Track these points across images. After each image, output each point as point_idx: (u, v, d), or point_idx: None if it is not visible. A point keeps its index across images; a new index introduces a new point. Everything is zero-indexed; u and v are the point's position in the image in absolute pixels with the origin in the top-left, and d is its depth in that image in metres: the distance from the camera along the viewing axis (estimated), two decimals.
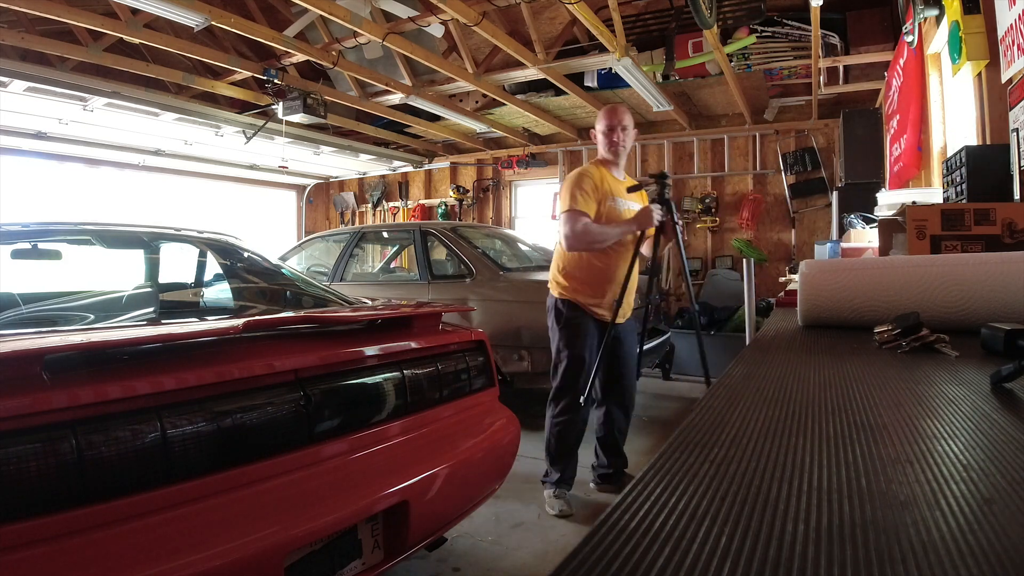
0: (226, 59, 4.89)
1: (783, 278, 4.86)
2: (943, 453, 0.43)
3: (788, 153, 6.57)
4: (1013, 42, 2.23)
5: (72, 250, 2.49)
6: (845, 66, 5.12)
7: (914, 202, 2.15)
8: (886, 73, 4.66)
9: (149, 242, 2.65)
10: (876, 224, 2.37)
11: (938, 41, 3.39)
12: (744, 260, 4.76)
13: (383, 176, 9.02)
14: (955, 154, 2.45)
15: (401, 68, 5.44)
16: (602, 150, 2.76)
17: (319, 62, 4.94)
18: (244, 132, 6.16)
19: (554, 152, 7.82)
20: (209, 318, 2.29)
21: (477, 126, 6.71)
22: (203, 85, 5.24)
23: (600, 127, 2.76)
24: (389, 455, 1.68)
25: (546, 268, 2.87)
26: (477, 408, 2.11)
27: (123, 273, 2.87)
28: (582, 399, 2.70)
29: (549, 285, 2.79)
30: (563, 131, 7.27)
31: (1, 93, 4.67)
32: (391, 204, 9.03)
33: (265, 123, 5.94)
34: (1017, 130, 2.21)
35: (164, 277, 2.74)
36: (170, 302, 2.54)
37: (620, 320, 2.72)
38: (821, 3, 3.53)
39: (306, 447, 1.48)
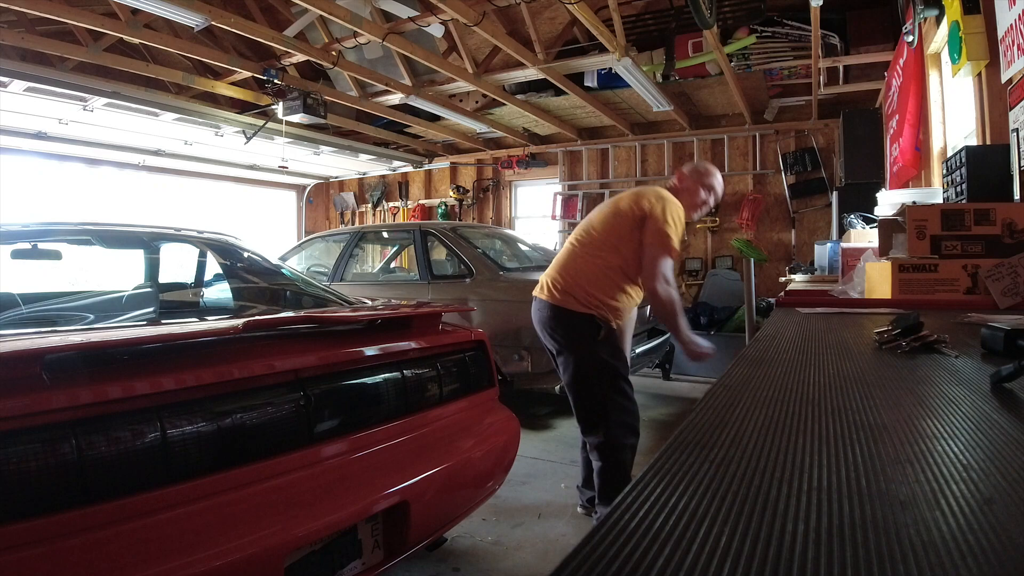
0: (226, 59, 4.89)
1: (783, 278, 4.86)
2: (943, 453, 0.43)
3: (788, 153, 6.57)
4: (1013, 42, 2.23)
5: (72, 250, 2.49)
6: (845, 66, 5.12)
7: (914, 202, 2.15)
8: (886, 73, 4.66)
9: (149, 242, 2.65)
10: (876, 224, 2.37)
11: (938, 41, 3.39)
12: (744, 260, 4.77)
13: (383, 176, 9.03)
14: (955, 154, 2.46)
15: (401, 68, 5.44)
16: (689, 200, 2.52)
17: (319, 62, 4.94)
18: (244, 132, 6.16)
19: (554, 152, 7.82)
20: (209, 318, 2.29)
21: (477, 126, 6.71)
22: (203, 85, 5.24)
23: (712, 182, 2.55)
24: (389, 455, 1.68)
25: (546, 268, 2.61)
26: (477, 408, 2.11)
27: (123, 273, 2.87)
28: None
29: (577, 298, 2.40)
30: (563, 131, 7.27)
31: (1, 93, 4.67)
32: (391, 204, 9.03)
33: (265, 123, 5.95)
34: (1017, 130, 2.21)
35: (164, 277, 2.74)
36: (170, 302, 2.54)
37: None
38: (821, 3, 3.53)
39: (306, 447, 1.48)
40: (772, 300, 3.67)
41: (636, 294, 2.49)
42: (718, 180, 2.58)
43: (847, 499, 0.35)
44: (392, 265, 6.02)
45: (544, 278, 2.54)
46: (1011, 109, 2.28)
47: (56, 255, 2.38)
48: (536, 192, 8.23)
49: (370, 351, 1.75)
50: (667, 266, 2.35)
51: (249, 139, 6.22)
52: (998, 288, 1.49)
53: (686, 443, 0.46)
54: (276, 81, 5.17)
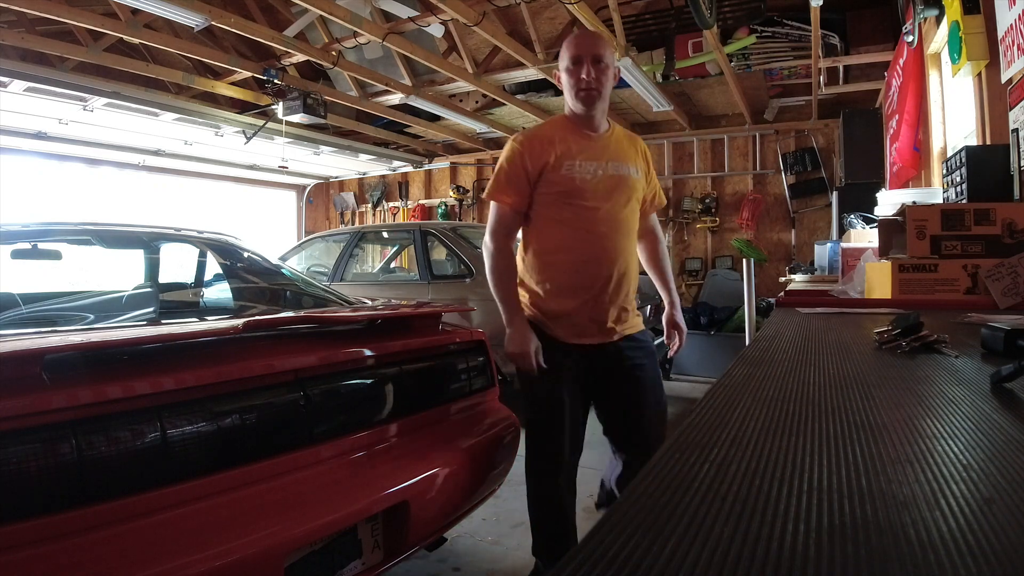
0: (226, 59, 4.89)
1: (783, 278, 4.86)
2: (943, 453, 0.43)
3: (788, 153, 6.57)
4: (1013, 42, 2.23)
5: (72, 250, 2.49)
6: (845, 66, 5.12)
7: (914, 202, 2.15)
8: (886, 73, 4.66)
9: (149, 242, 2.65)
10: (876, 224, 2.37)
11: (938, 41, 3.39)
12: (744, 260, 4.77)
13: (383, 176, 9.03)
14: (955, 154, 2.45)
15: (401, 68, 5.44)
16: (569, 98, 1.85)
17: (319, 62, 4.94)
18: (244, 132, 6.16)
19: None
20: (209, 318, 2.29)
21: (477, 126, 6.71)
22: (203, 85, 5.24)
23: (563, 63, 1.82)
24: (389, 455, 1.67)
25: None
26: (477, 408, 2.11)
27: (123, 273, 2.87)
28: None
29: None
30: None
31: (1, 93, 4.67)
32: (391, 204, 9.03)
33: (265, 123, 5.95)
34: (1017, 130, 2.21)
35: (164, 277, 2.74)
36: (170, 302, 2.54)
37: (625, 331, 1.91)
38: (821, 3, 3.53)
39: (306, 447, 1.48)
40: (772, 300, 3.66)
41: (558, 276, 1.86)
42: (566, 44, 1.83)
43: (847, 499, 0.35)
44: (392, 265, 6.03)
45: None
46: (1011, 109, 2.28)
47: (56, 255, 2.38)
48: None
49: (370, 351, 1.75)
50: (492, 220, 1.89)
51: (249, 139, 6.22)
52: (998, 288, 1.49)
53: (686, 443, 0.46)
54: (276, 81, 5.17)
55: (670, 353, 2.13)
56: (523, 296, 1.93)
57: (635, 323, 1.94)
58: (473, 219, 8.31)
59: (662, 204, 2.11)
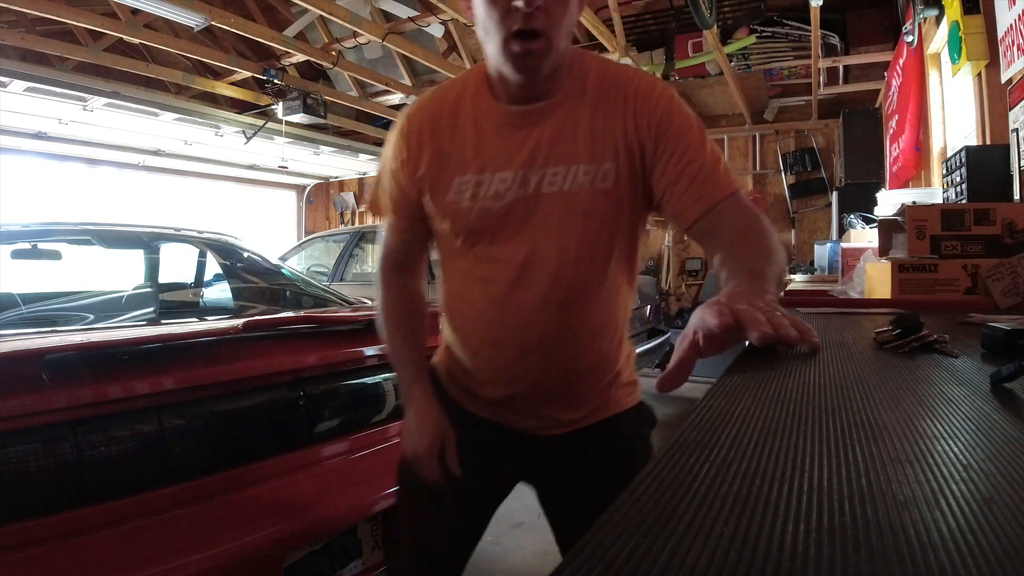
0: (226, 59, 4.89)
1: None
2: (943, 453, 0.43)
3: (788, 153, 6.57)
4: (1013, 42, 2.23)
5: (72, 250, 2.49)
6: (845, 66, 5.12)
7: (914, 202, 2.15)
8: (886, 73, 4.66)
9: (149, 242, 2.65)
10: (876, 224, 2.37)
11: (938, 41, 3.39)
12: None
13: None
14: (955, 154, 2.46)
15: (401, 68, 5.44)
16: (491, 49, 0.92)
17: (319, 62, 4.94)
18: (244, 132, 6.16)
19: None
20: (209, 318, 2.29)
21: None
22: (203, 85, 5.25)
23: None
24: (389, 455, 1.67)
25: None
26: None
27: (123, 273, 2.87)
28: None
29: None
30: None
31: (1, 93, 4.67)
32: None
33: (265, 123, 5.95)
34: (1017, 130, 2.21)
35: (164, 277, 2.74)
36: (170, 302, 2.54)
37: (573, 424, 1.10)
38: (821, 3, 3.53)
39: (306, 447, 1.48)
40: None
41: (459, 332, 1.20)
42: None
43: (847, 499, 0.35)
44: None
45: None
46: (1011, 109, 2.28)
47: (56, 255, 2.37)
48: None
49: (370, 351, 1.75)
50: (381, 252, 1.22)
51: (249, 139, 6.22)
52: (998, 288, 1.49)
53: (686, 443, 0.46)
54: (276, 81, 5.17)
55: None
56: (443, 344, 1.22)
57: (608, 406, 1.13)
58: None
59: (729, 190, 0.97)
